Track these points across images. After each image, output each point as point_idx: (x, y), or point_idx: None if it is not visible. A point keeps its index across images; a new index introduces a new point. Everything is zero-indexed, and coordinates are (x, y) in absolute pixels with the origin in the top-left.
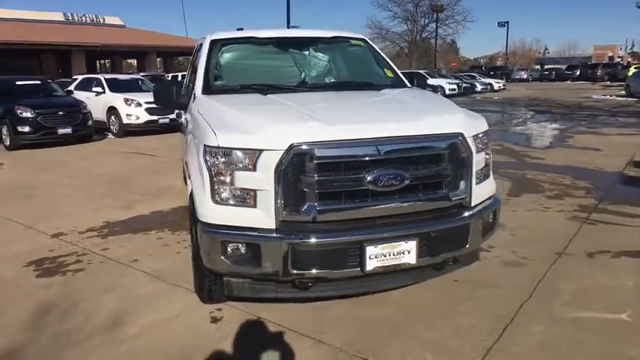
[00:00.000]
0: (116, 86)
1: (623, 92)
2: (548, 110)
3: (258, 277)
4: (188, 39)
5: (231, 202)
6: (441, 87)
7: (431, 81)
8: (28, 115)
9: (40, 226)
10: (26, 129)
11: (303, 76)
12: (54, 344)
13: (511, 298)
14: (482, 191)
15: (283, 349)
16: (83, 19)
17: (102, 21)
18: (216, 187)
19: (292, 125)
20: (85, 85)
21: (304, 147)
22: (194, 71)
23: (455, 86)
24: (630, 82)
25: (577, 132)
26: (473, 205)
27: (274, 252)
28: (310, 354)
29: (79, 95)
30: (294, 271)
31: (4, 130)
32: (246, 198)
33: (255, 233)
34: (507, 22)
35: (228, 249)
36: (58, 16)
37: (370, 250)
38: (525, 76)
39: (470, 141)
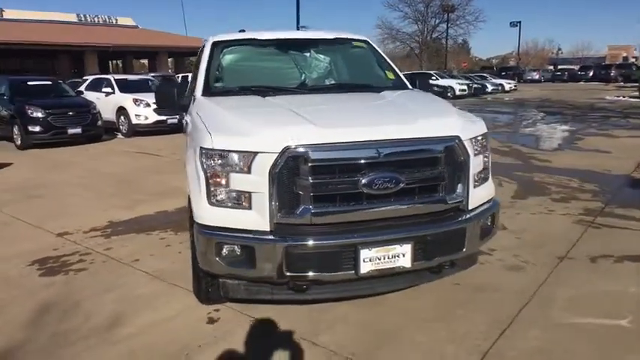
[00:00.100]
0: (126, 87)
1: (637, 93)
2: (559, 111)
3: (253, 279)
4: (199, 39)
5: (227, 204)
6: (451, 88)
7: (441, 82)
8: (39, 115)
9: (46, 225)
10: (37, 129)
11: (303, 78)
12: (52, 343)
13: (510, 303)
14: (480, 194)
15: (278, 350)
16: (96, 19)
17: (114, 22)
18: (212, 189)
19: (287, 128)
20: (95, 86)
21: (298, 149)
22: (196, 73)
23: (465, 87)
24: None
25: (587, 134)
26: (470, 208)
27: (268, 254)
28: (304, 356)
29: (90, 95)
30: (289, 274)
31: (16, 130)
32: (242, 200)
33: (250, 235)
34: (519, 22)
35: (224, 251)
36: (72, 17)
37: (364, 254)
38: (537, 77)
39: (467, 144)
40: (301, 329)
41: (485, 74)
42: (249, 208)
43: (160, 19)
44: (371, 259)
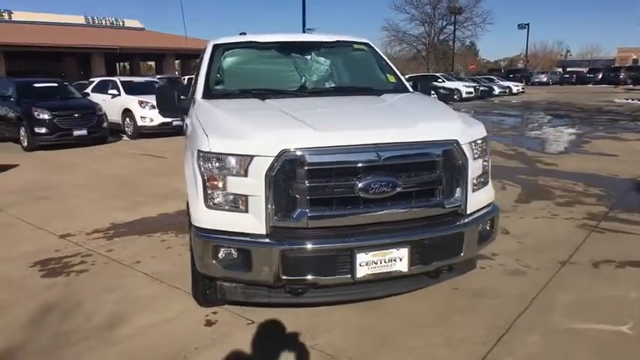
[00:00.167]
0: (131, 89)
1: None
2: (566, 114)
3: (249, 282)
4: (205, 42)
5: (224, 207)
6: (458, 90)
7: (447, 84)
8: (45, 116)
9: (50, 226)
10: (43, 130)
11: (303, 81)
12: (53, 344)
13: (509, 308)
14: (479, 199)
15: (274, 354)
16: (103, 21)
17: (122, 24)
18: (209, 192)
19: (283, 131)
20: (101, 88)
21: (295, 153)
22: (197, 75)
23: (472, 89)
24: None
25: (594, 137)
26: (469, 212)
27: (264, 258)
28: (301, 359)
29: (96, 97)
30: (285, 277)
31: (22, 132)
32: (238, 203)
33: (246, 239)
34: (527, 24)
35: (220, 254)
36: (80, 19)
37: (361, 258)
38: (545, 79)
39: (466, 148)
40: (299, 332)
41: (492, 77)
42: (246, 211)
43: (167, 22)
44: (367, 264)
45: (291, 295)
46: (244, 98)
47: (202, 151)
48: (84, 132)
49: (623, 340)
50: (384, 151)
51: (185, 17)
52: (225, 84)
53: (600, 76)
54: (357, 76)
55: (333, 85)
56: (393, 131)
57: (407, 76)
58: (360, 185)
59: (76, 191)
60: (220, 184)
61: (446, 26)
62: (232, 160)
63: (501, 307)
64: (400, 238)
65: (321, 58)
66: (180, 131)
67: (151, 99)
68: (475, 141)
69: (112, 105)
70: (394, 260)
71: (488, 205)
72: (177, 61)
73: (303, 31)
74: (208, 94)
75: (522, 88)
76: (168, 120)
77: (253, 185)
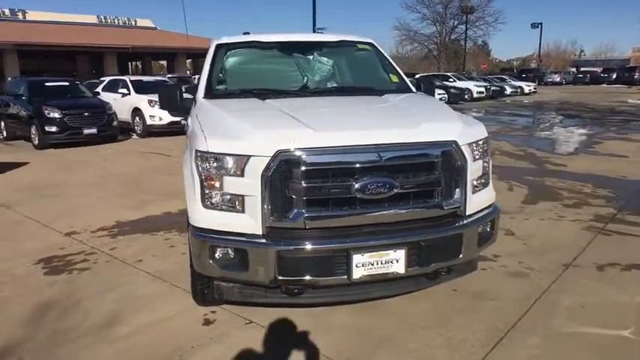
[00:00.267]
0: (141, 88)
1: None
2: (578, 115)
3: (245, 282)
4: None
5: (221, 207)
6: (469, 90)
7: (458, 84)
8: (56, 115)
9: (56, 224)
10: (53, 129)
11: (305, 81)
12: (51, 341)
13: (509, 311)
14: (479, 200)
15: (272, 354)
16: (116, 21)
17: (134, 23)
18: (206, 192)
19: (279, 131)
20: (111, 87)
21: (291, 153)
22: (200, 75)
23: (483, 89)
24: None
25: (605, 138)
26: (468, 214)
27: (260, 258)
28: None
29: (106, 96)
30: (280, 277)
31: (33, 130)
32: (235, 203)
33: (243, 239)
34: (540, 24)
35: (217, 254)
36: (92, 19)
37: (357, 259)
38: (558, 79)
39: (465, 149)
40: (297, 333)
41: (504, 76)
42: (243, 211)
43: (178, 21)
44: (364, 265)
45: (288, 295)
46: (245, 98)
47: (200, 151)
48: (94, 130)
49: (624, 344)
50: (381, 151)
51: (196, 17)
52: (227, 84)
53: (614, 76)
54: (360, 76)
55: (334, 85)
56: (390, 132)
57: (417, 76)
58: (356, 186)
59: (84, 189)
60: (217, 184)
61: (457, 25)
62: (229, 160)
63: (502, 309)
64: (397, 239)
65: (324, 58)
66: None
67: None
68: (475, 142)
69: (122, 104)
70: (391, 262)
71: (488, 207)
72: (188, 60)
73: (314, 31)
74: (210, 93)
75: (534, 88)
76: (177, 119)
77: (250, 185)
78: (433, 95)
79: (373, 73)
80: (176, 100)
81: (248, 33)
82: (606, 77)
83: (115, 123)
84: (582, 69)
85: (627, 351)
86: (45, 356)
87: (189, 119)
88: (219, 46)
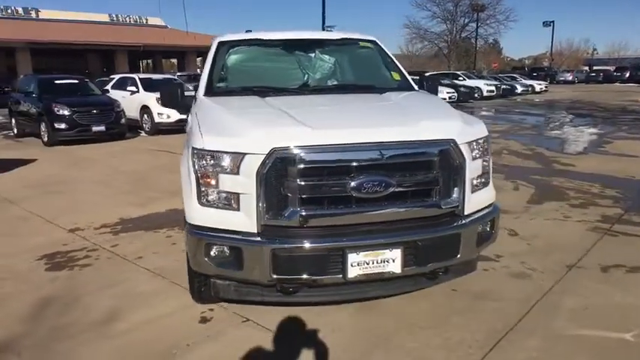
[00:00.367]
0: (150, 85)
1: None
2: (589, 114)
3: (241, 280)
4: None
5: (217, 204)
6: (479, 88)
7: (468, 82)
8: (65, 112)
9: (60, 221)
10: (62, 126)
11: (306, 79)
12: (50, 336)
13: (510, 312)
14: (478, 199)
15: (267, 354)
16: (127, 19)
17: (145, 22)
18: (202, 190)
19: (275, 129)
20: (120, 85)
21: (286, 151)
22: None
23: (493, 88)
24: None
25: (616, 137)
26: (467, 213)
27: (255, 256)
28: None
29: (115, 94)
30: (275, 276)
31: (43, 127)
32: (231, 201)
33: (238, 237)
34: (553, 22)
35: (212, 251)
36: (104, 17)
37: (352, 258)
38: (571, 78)
39: (463, 148)
40: (294, 332)
41: (515, 75)
42: (238, 209)
43: (189, 20)
44: (359, 264)
45: (283, 294)
46: (245, 96)
47: (197, 149)
48: (102, 128)
49: (625, 347)
50: (377, 150)
51: (203, 15)
52: (227, 81)
53: (627, 74)
54: (361, 73)
55: (335, 82)
56: (386, 130)
57: (427, 74)
58: (352, 184)
59: (90, 186)
60: (213, 182)
61: (468, 24)
62: (225, 158)
63: (502, 310)
64: (393, 238)
65: (326, 56)
66: None
67: None
68: (475, 140)
69: (130, 101)
70: (387, 261)
71: (488, 206)
72: (198, 59)
73: (323, 29)
74: (210, 91)
75: (546, 87)
76: (185, 116)
77: (245, 183)
78: (436, 94)
79: (375, 70)
80: (177, 98)
81: (250, 31)
82: (619, 76)
83: (123, 120)
84: (595, 67)
85: (628, 354)
86: (43, 352)
87: (189, 116)
88: (221, 44)
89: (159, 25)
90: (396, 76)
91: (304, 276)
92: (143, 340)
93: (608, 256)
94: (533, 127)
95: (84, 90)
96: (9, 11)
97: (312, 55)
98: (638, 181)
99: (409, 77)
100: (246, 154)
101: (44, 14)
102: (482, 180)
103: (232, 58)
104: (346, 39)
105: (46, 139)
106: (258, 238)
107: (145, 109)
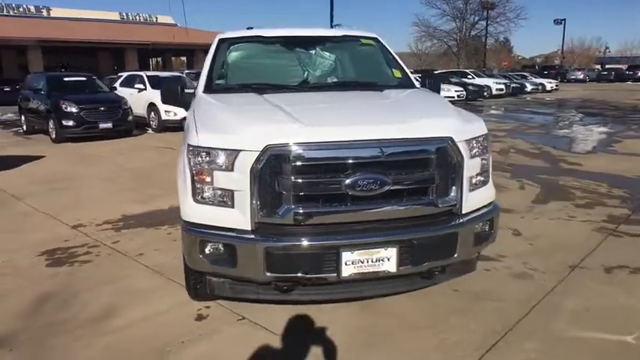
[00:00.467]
0: (157, 83)
1: None
2: (599, 113)
3: (235, 277)
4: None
5: (211, 201)
6: (488, 87)
7: (477, 80)
8: (73, 109)
9: (63, 217)
10: (70, 123)
11: (305, 76)
12: (46, 332)
13: (509, 313)
14: (477, 198)
15: (263, 352)
16: (137, 18)
17: (155, 20)
18: (197, 186)
19: (270, 126)
20: (128, 82)
21: (280, 148)
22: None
23: (502, 86)
24: None
25: (626, 136)
26: (465, 212)
27: (249, 253)
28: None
29: (123, 91)
30: (268, 274)
31: (51, 124)
32: (225, 198)
33: (232, 234)
34: (564, 20)
35: (207, 248)
36: (115, 16)
37: (346, 256)
38: (582, 77)
39: (461, 146)
40: (291, 331)
41: (525, 73)
42: (232, 206)
43: (195, 17)
44: (353, 262)
45: (278, 292)
46: (243, 93)
47: (192, 146)
48: (109, 125)
49: (626, 350)
50: (373, 147)
51: (212, 13)
52: (227, 78)
53: (639, 73)
54: (362, 71)
55: (335, 80)
56: (382, 127)
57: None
58: (346, 182)
59: (96, 183)
60: (208, 179)
61: (478, 22)
62: (219, 155)
63: (502, 310)
64: (388, 237)
65: (326, 53)
66: None
67: None
68: (473, 139)
69: (138, 99)
70: (381, 260)
71: (487, 205)
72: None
73: (331, 26)
74: (209, 88)
75: (556, 85)
76: None
77: (239, 180)
78: (438, 92)
79: (376, 68)
80: (177, 95)
81: (252, 28)
82: (631, 74)
83: (130, 118)
84: (607, 66)
85: (628, 357)
86: (37, 347)
87: (188, 113)
88: (221, 41)
89: (168, 24)
90: (397, 74)
91: (298, 274)
92: (139, 337)
93: (613, 256)
94: (542, 126)
95: (91, 87)
96: (20, 10)
97: (313, 52)
98: None
99: (411, 75)
100: (240, 150)
101: (55, 12)
102: (481, 178)
103: (232, 55)
104: (347, 36)
105: (54, 135)
106: (252, 236)
107: (152, 107)
